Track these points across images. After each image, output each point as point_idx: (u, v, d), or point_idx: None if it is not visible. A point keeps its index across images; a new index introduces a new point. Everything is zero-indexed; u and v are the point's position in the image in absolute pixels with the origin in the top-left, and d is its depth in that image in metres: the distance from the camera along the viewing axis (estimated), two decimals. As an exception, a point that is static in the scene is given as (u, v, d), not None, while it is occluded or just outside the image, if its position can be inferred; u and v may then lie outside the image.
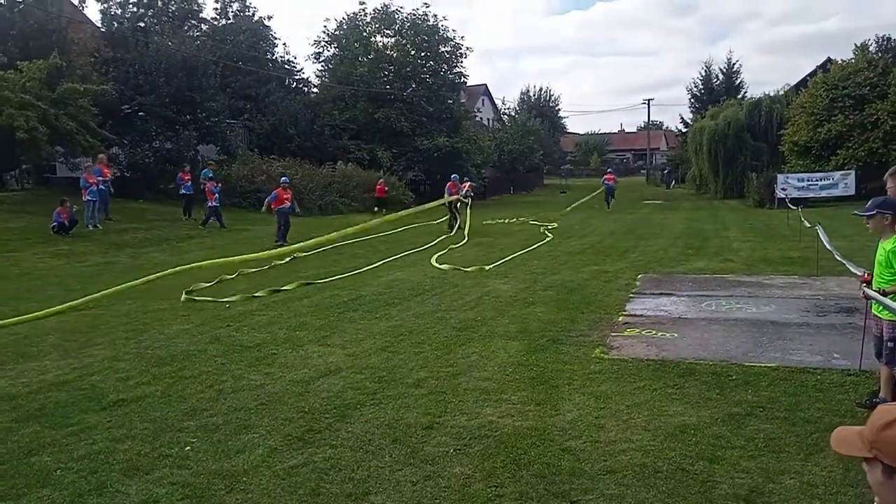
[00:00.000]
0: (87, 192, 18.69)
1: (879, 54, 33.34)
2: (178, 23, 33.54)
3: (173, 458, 4.48)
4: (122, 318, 8.99)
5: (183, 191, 22.35)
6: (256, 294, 10.47)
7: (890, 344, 4.84)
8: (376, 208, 31.01)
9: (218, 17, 36.25)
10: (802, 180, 30.44)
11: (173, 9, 33.63)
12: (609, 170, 42.27)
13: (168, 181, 25.34)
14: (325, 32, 41.24)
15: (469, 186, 23.59)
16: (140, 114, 25.79)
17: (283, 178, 19.98)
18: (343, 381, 6.08)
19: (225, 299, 10.14)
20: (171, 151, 26.68)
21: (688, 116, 54.76)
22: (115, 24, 29.51)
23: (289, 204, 18.28)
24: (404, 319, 8.62)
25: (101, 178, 19.27)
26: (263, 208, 18.44)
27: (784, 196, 27.94)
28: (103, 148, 21.99)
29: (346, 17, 41.08)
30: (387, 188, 32.58)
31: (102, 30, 28.73)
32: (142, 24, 31.05)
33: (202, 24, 36.07)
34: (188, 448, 4.64)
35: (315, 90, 41.07)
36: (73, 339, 7.86)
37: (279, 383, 6.07)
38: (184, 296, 10.31)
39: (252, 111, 33.39)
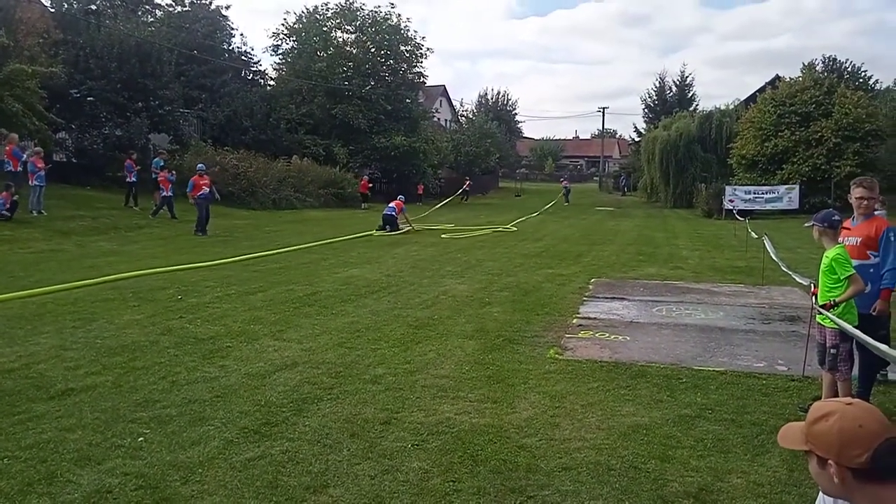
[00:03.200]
0: (35, 177, 18.05)
1: (825, 74, 34.62)
2: (131, 7, 32.73)
3: (126, 449, 4.39)
4: (69, 306, 8.74)
5: (132, 178, 21.74)
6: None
7: (832, 351, 5.05)
8: (364, 206, 31.55)
9: (174, 3, 35.50)
10: (749, 193, 31.36)
11: (126, -9, 32.82)
12: (563, 177, 48.37)
13: (117, 169, 24.70)
14: (284, 25, 40.86)
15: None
16: (90, 99, 25.03)
17: (200, 165, 20.00)
18: (300, 376, 6.04)
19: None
20: (122, 139, 25.96)
21: (641, 126, 55.86)
22: (66, 6, 28.63)
23: (207, 190, 18.42)
24: (361, 316, 8.61)
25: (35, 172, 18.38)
26: (191, 200, 18.52)
27: (732, 207, 28.80)
28: (37, 142, 20.99)
29: (306, 11, 40.78)
30: (371, 184, 33.40)
31: (52, 10, 27.82)
32: (94, 7, 30.20)
33: (157, 11, 35.29)
34: (141, 439, 4.56)
35: (272, 83, 40.58)
36: (19, 326, 7.62)
37: (234, 376, 6.00)
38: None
39: (206, 101, 32.80)
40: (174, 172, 21.48)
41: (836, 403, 1.68)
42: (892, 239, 5.24)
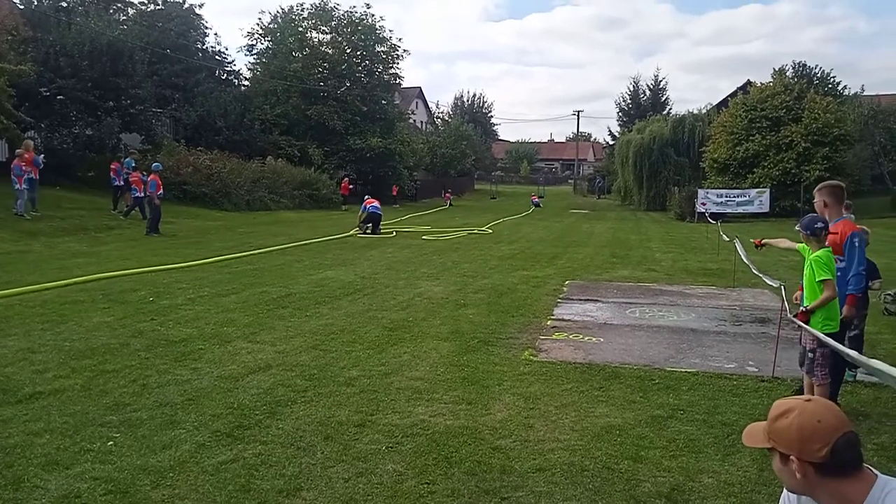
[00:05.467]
0: (23, 180, 17.71)
1: (795, 79, 35.20)
2: (103, 5, 32.25)
3: (95, 453, 4.32)
4: (37, 308, 8.59)
5: (120, 182, 21.51)
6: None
7: (810, 355, 5.06)
8: (344, 207, 31.63)
9: (146, 2, 35.07)
10: (721, 196, 31.80)
11: (98, -11, 32.35)
12: (534, 193, 50.36)
13: (87, 168, 24.34)
14: (258, 25, 40.57)
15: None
16: (60, 97, 24.62)
17: (155, 164, 19.96)
18: (273, 378, 6.00)
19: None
20: (92, 138, 25.59)
21: (616, 129, 56.43)
22: (36, 3, 28.11)
23: (161, 191, 18.70)
24: (335, 318, 8.57)
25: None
26: (156, 201, 18.49)
27: (704, 210, 29.14)
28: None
29: (281, 11, 40.52)
30: (351, 186, 33.62)
31: (22, 7, 27.31)
32: (64, 4, 29.68)
33: (129, 9, 34.83)
34: (111, 443, 4.49)
35: (246, 83, 40.26)
36: (-16, 329, 7.47)
37: (206, 379, 5.94)
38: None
39: (180, 101, 32.44)
40: (147, 173, 21.21)
41: (795, 401, 1.71)
42: (857, 244, 5.31)
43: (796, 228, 5.38)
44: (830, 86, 38.22)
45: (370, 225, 20.94)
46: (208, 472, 4.11)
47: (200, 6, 37.62)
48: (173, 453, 4.36)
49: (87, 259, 13.35)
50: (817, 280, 4.91)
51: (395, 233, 21.69)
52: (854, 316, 5.42)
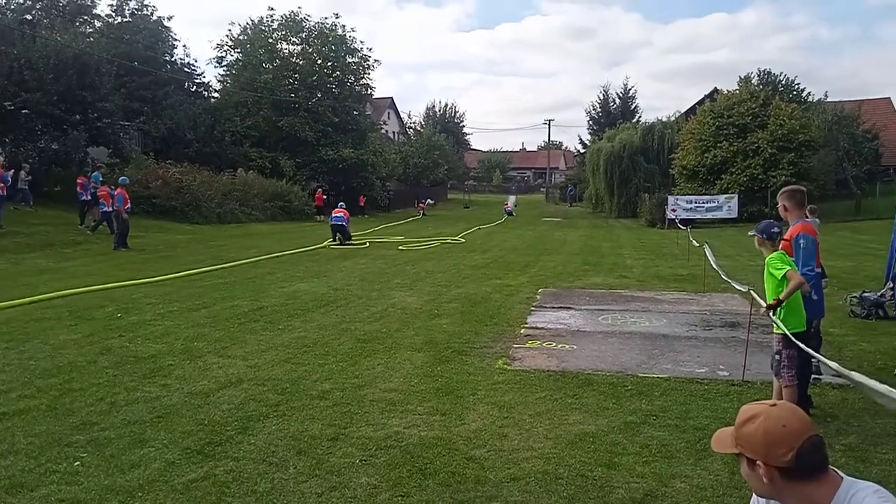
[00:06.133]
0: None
1: (761, 87, 35.86)
2: (69, 18, 31.85)
3: (61, 474, 4.23)
4: (1, 326, 8.40)
5: (87, 197, 21.20)
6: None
7: (776, 357, 5.16)
8: (318, 217, 31.58)
9: (114, 14, 34.69)
10: (691, 202, 32.23)
11: (64, 2, 31.93)
12: (507, 202, 49.82)
13: (54, 183, 23.95)
14: (228, 37, 40.35)
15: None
16: (24, 111, 24.22)
17: (122, 178, 19.80)
18: (245, 393, 5.92)
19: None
20: (59, 152, 25.20)
21: (586, 138, 56.96)
22: (-1, 16, 27.74)
23: (129, 205, 18.54)
24: (308, 331, 8.50)
25: None
26: (124, 215, 18.27)
27: (674, 217, 29.52)
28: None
29: (251, 23, 40.35)
30: (325, 197, 33.67)
31: (-16, 20, 26.91)
32: (29, 17, 29.29)
33: (96, 21, 34.43)
34: (77, 463, 4.40)
35: (216, 95, 39.98)
36: (-54, 349, 7.28)
37: (176, 395, 5.85)
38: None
39: (148, 114, 32.09)
40: (116, 188, 20.93)
41: (761, 406, 1.73)
42: (801, 244, 5.42)
43: (750, 234, 5.48)
44: (795, 93, 39.01)
45: (339, 235, 20.90)
46: (178, 491, 4.04)
47: (169, 18, 37.43)
48: (142, 472, 4.28)
49: (53, 275, 13.11)
50: (779, 277, 4.99)
51: (367, 243, 21.63)
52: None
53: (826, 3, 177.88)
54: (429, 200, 46.03)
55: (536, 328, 8.79)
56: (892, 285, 9.66)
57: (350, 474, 4.29)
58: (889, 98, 45.65)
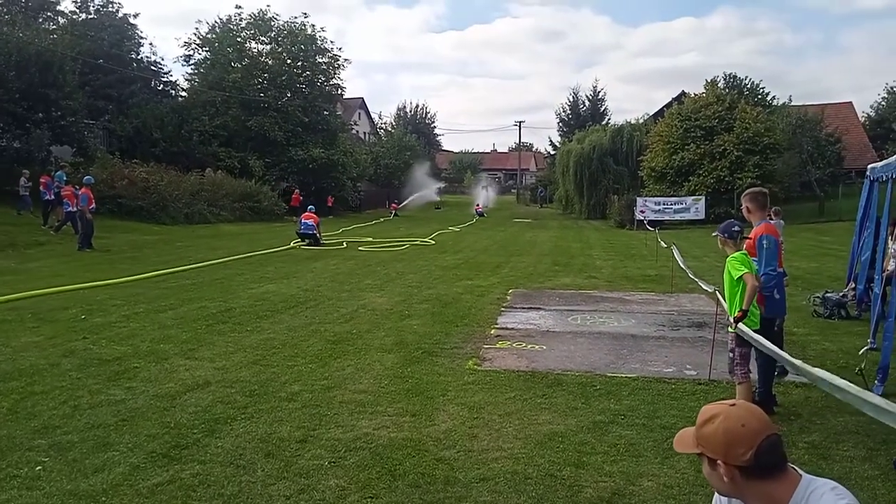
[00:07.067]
0: None
1: (727, 90, 36.43)
2: (31, 14, 31.21)
3: (22, 479, 4.13)
4: (-40, 329, 8.20)
5: (50, 196, 20.74)
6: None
7: (730, 355, 5.25)
8: (294, 218, 31.36)
9: (78, 11, 34.05)
10: (659, 204, 32.62)
11: (26, -2, 31.33)
12: (478, 202, 50.30)
13: (15, 182, 23.38)
14: (196, 35, 39.84)
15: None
16: (-16, 109, 23.67)
17: (87, 178, 19.39)
18: (212, 396, 5.85)
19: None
20: (20, 151, 24.63)
21: (556, 139, 57.30)
22: (-42, 11, 27.06)
23: (93, 205, 18.19)
24: (277, 332, 8.42)
25: None
26: (88, 215, 17.89)
27: (643, 218, 29.84)
28: None
29: (219, 21, 39.92)
30: (301, 197, 33.37)
31: (-57, 16, 26.24)
32: (-11, 13, 28.65)
33: (59, 17, 33.78)
34: (39, 468, 4.30)
35: (184, 94, 39.46)
36: None
37: (142, 398, 5.75)
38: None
39: (114, 112, 31.57)
40: (81, 188, 20.54)
41: (721, 406, 1.75)
42: (764, 245, 5.52)
43: (713, 234, 5.58)
44: (760, 96, 39.67)
45: (308, 239, 20.78)
46: (143, 495, 3.97)
47: (135, 16, 36.85)
48: (106, 476, 4.20)
49: (15, 276, 12.81)
50: (735, 277, 5.07)
51: (345, 244, 21.50)
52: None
53: (791, 10, 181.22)
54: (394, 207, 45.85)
55: (507, 329, 8.82)
56: (853, 286, 9.89)
57: (319, 476, 4.26)
58: (851, 102, 46.74)
